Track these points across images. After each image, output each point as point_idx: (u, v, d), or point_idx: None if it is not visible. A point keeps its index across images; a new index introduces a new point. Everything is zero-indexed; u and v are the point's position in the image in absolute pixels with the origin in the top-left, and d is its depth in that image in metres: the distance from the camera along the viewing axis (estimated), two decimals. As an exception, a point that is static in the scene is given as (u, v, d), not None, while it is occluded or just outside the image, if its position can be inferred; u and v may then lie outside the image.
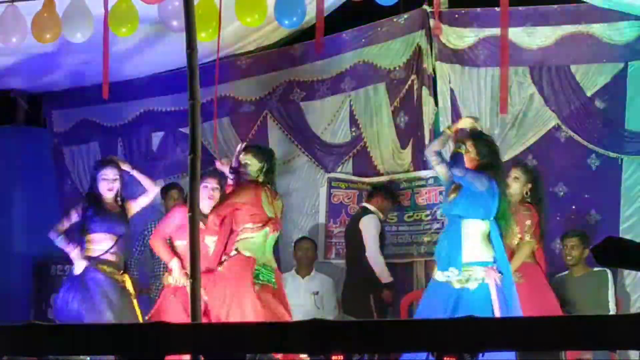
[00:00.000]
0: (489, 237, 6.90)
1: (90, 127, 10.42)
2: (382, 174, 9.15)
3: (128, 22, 7.87)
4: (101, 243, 7.67)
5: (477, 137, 7.05)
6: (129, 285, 7.73)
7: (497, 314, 6.63)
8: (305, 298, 8.87)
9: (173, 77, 9.77)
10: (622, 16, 8.41)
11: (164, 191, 9.43)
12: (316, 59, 9.39)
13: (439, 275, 6.94)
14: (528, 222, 7.52)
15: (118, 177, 7.77)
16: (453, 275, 6.82)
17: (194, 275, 4.86)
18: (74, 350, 3.90)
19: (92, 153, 10.42)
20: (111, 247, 7.66)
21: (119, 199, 7.80)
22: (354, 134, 9.39)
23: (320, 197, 9.43)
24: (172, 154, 10.04)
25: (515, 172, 7.71)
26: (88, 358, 7.00)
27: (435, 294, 6.94)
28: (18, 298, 9.74)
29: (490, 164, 6.93)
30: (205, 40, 7.71)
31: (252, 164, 7.46)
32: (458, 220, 6.94)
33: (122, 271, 7.74)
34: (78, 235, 7.63)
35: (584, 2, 8.27)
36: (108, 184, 7.72)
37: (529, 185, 7.72)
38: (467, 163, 6.94)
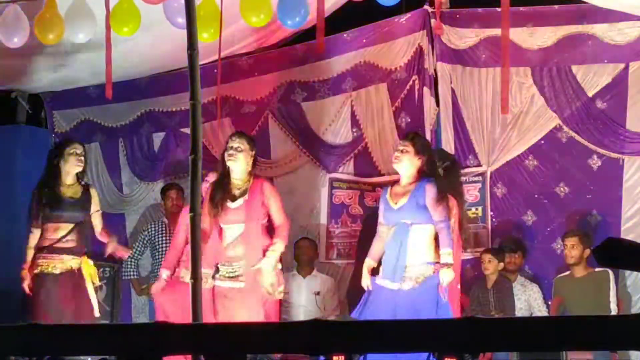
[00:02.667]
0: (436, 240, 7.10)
1: (91, 127, 10.41)
2: (383, 174, 9.14)
3: (130, 21, 7.87)
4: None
5: (415, 136, 7.34)
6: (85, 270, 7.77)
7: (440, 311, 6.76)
8: (307, 298, 8.87)
9: (174, 77, 9.78)
10: (623, 16, 8.40)
11: (163, 192, 9.45)
12: (317, 60, 9.39)
13: (386, 283, 7.01)
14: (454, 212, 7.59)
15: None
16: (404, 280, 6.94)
17: (195, 276, 4.87)
18: (74, 350, 3.91)
19: (93, 153, 10.42)
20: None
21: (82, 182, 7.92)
22: (355, 134, 9.39)
23: (321, 198, 9.43)
24: (173, 154, 10.04)
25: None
26: (89, 358, 7.01)
27: (380, 297, 7.03)
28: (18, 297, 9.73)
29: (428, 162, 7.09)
30: (206, 41, 7.71)
31: (245, 149, 7.48)
32: (406, 227, 7.01)
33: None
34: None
35: (585, 2, 8.26)
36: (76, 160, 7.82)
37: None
38: (407, 162, 7.05)
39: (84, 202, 7.91)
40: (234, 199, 7.55)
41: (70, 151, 7.91)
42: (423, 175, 7.23)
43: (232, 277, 7.46)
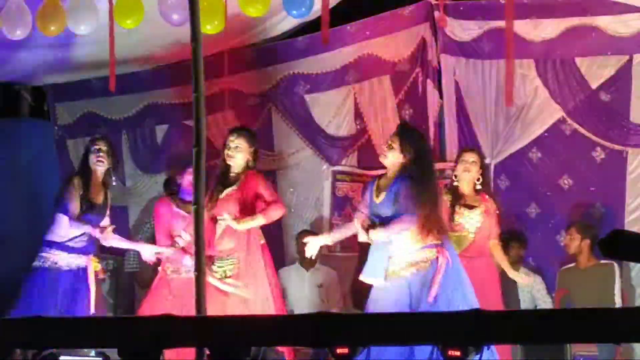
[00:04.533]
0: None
1: (94, 120, 10.41)
2: (386, 167, 9.12)
3: (133, 13, 7.86)
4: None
5: (404, 132, 6.92)
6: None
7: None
8: (310, 291, 8.87)
9: (177, 70, 9.77)
10: (628, 8, 8.38)
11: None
12: (321, 52, 9.38)
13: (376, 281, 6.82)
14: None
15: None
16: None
17: (199, 269, 4.86)
18: (78, 343, 3.91)
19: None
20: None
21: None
22: (358, 126, 9.39)
23: (324, 190, 9.43)
24: (176, 146, 10.03)
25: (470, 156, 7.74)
26: (93, 352, 7.02)
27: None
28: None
29: (415, 160, 6.77)
30: (210, 33, 7.70)
31: (243, 149, 7.46)
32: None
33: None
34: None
35: (589, -7, 8.27)
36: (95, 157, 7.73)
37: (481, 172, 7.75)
38: (392, 158, 6.86)
39: (103, 207, 7.81)
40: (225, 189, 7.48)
41: (91, 147, 7.80)
42: (404, 171, 6.95)
43: (224, 278, 7.37)
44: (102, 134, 8.72)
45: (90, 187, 7.67)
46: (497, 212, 7.72)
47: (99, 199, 7.73)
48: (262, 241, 7.51)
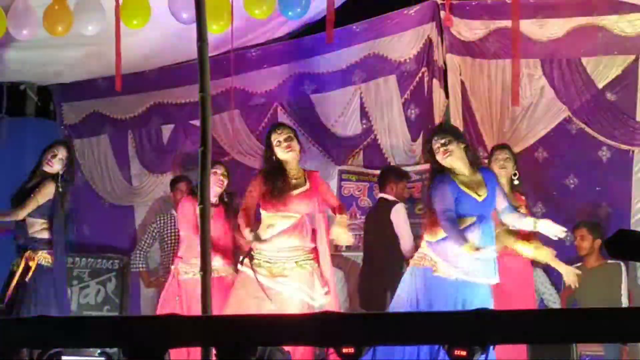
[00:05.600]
0: None
1: (100, 119, 10.44)
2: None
3: (139, 14, 7.87)
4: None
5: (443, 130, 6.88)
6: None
7: None
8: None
9: (183, 69, 9.78)
10: (634, 8, 8.38)
11: (173, 184, 9.44)
12: (326, 52, 9.38)
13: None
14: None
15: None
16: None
17: (204, 268, 4.86)
18: (82, 342, 3.91)
19: (102, 146, 10.45)
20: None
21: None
22: (364, 126, 9.39)
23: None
24: (183, 146, 10.04)
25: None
26: (98, 351, 7.02)
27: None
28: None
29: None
30: (216, 33, 7.71)
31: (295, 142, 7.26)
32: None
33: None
34: None
35: (595, -7, 8.27)
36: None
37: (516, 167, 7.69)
38: (457, 151, 6.75)
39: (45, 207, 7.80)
40: (295, 188, 7.19)
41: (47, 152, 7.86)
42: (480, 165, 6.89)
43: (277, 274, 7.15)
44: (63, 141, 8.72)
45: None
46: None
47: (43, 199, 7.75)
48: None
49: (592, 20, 8.62)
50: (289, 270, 7.07)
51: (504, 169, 7.61)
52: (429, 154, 6.77)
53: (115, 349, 6.40)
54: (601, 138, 8.62)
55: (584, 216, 8.49)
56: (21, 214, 7.71)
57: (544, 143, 8.78)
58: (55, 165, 7.78)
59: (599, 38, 8.62)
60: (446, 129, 6.94)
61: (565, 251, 8.40)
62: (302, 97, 9.61)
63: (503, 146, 7.91)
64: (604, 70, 8.63)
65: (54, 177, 7.77)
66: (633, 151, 8.56)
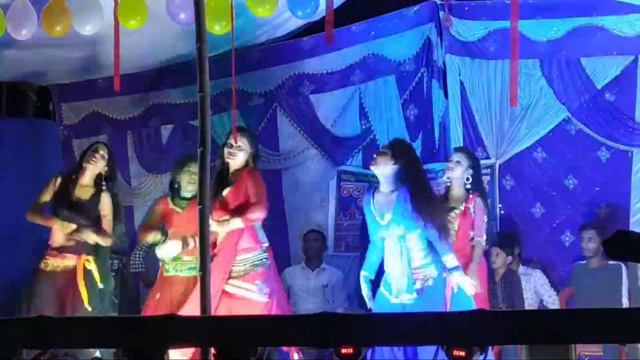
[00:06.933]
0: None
1: (99, 119, 10.41)
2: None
3: (137, 14, 7.86)
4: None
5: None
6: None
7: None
8: (315, 291, 8.87)
9: (182, 69, 9.77)
10: (633, 8, 8.38)
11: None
12: (326, 52, 9.38)
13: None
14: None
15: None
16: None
17: (203, 268, 4.87)
18: (82, 342, 3.91)
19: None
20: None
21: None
22: (363, 126, 9.39)
23: (330, 190, 9.43)
24: (182, 147, 10.03)
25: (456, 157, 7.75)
26: (97, 352, 7.01)
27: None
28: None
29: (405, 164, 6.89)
30: (217, 33, 7.70)
31: (245, 148, 7.36)
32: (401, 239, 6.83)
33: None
34: None
35: (594, -6, 8.27)
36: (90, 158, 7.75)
37: (470, 172, 7.70)
38: (382, 164, 6.89)
39: (90, 205, 7.82)
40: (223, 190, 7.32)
41: (89, 150, 7.83)
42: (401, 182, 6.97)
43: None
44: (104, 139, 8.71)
45: (70, 185, 7.72)
46: (486, 213, 7.63)
47: (81, 197, 7.73)
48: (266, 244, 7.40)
49: (591, 21, 8.63)
50: None
51: (449, 171, 7.76)
52: None
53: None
54: (600, 138, 8.64)
55: (583, 217, 8.49)
56: (110, 240, 7.80)
57: (543, 143, 8.79)
58: (98, 162, 7.75)
59: (598, 38, 8.63)
60: None
61: (564, 252, 8.43)
62: (301, 97, 9.61)
63: (459, 149, 8.12)
64: (603, 70, 8.65)
65: (98, 184, 7.75)
66: (632, 151, 8.57)
